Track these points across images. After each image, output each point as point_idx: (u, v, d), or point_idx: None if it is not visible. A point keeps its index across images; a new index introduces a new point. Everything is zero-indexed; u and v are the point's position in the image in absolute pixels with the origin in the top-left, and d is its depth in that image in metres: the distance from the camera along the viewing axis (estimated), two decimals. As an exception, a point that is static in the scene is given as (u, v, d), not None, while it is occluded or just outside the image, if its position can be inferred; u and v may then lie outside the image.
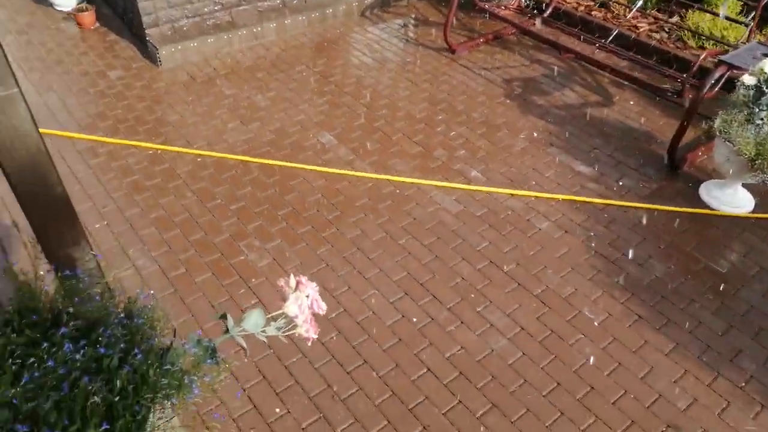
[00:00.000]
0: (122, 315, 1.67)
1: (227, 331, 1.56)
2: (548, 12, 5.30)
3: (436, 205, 3.69)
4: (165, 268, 3.23)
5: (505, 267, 3.30)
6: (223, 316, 1.58)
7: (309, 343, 1.71)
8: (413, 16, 5.80)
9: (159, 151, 4.04)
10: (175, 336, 1.71)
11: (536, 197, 3.76)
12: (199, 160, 3.98)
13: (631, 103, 4.62)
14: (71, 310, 1.62)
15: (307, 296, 1.53)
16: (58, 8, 5.61)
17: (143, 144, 4.09)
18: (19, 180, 1.59)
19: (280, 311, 1.55)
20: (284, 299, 1.54)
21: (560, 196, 3.75)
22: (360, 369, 2.78)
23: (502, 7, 5.07)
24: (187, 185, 3.77)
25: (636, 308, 3.07)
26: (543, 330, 2.98)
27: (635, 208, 3.68)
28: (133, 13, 5.00)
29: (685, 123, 3.74)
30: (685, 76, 4.25)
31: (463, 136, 4.25)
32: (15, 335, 1.55)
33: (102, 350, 1.53)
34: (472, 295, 3.14)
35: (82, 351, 1.52)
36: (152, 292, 3.08)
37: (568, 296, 3.15)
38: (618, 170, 3.97)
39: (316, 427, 2.54)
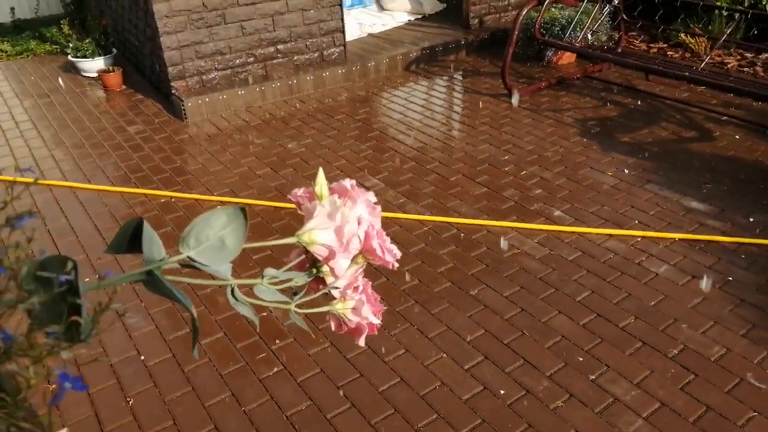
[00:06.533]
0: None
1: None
2: (619, 49, 4.68)
3: (513, 249, 2.87)
4: (163, 329, 2.45)
5: (620, 321, 2.40)
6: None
7: (361, 341, 0.73)
8: (463, 68, 5.25)
9: (173, 199, 3.39)
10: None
11: (644, 237, 2.90)
12: (219, 208, 3.29)
13: (737, 137, 3.82)
14: None
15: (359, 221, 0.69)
16: (85, 74, 5.28)
17: (153, 192, 3.45)
18: None
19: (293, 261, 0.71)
20: (305, 216, 0.72)
21: (676, 236, 2.89)
22: (429, 463, 1.87)
23: (567, 43, 4.48)
24: (201, 234, 3.06)
25: (825, 373, 2.12)
26: (694, 406, 2.03)
27: (781, 246, 2.79)
28: (160, 67, 4.58)
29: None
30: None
31: (536, 175, 3.49)
32: None
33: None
34: (580, 359, 2.24)
35: None
36: (143, 357, 2.30)
37: (720, 359, 2.22)
38: (743, 206, 3.11)
39: None
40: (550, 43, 4.60)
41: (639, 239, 2.89)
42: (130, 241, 0.63)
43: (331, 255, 0.68)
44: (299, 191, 0.75)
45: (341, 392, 2.14)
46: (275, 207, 3.27)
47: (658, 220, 3.04)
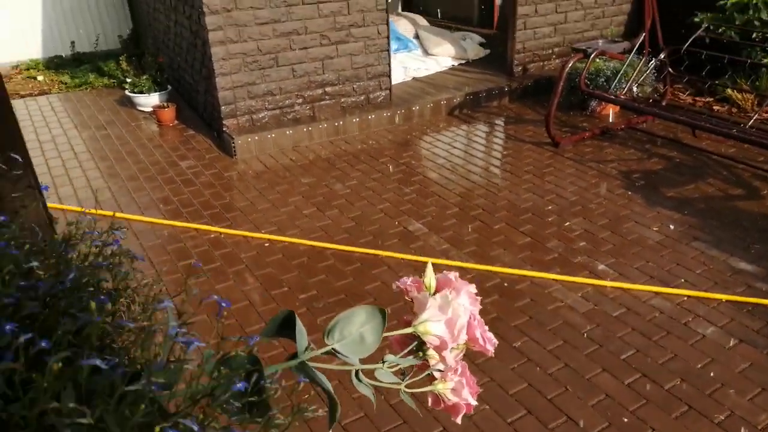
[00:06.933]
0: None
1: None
2: (664, 102, 4.70)
3: (557, 302, 2.87)
4: (211, 365, 2.51)
5: (666, 383, 2.38)
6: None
7: (458, 419, 0.82)
8: (506, 114, 5.33)
9: (222, 235, 3.49)
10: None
11: (690, 296, 2.88)
12: (266, 245, 3.39)
13: (785, 196, 3.79)
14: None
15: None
16: (141, 108, 5.51)
17: (204, 227, 3.56)
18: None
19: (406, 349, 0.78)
20: (415, 304, 0.78)
21: (724, 297, 2.86)
22: None
23: (612, 95, 4.52)
24: (250, 270, 3.15)
25: None
26: (743, 476, 2.00)
27: (833, 313, 2.74)
28: (213, 105, 4.76)
29: None
30: None
31: (580, 227, 3.50)
32: None
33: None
34: (625, 419, 2.22)
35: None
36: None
37: (767, 428, 2.18)
38: (792, 268, 3.07)
39: None
40: (594, 94, 4.64)
41: (685, 298, 2.87)
42: (280, 326, 0.73)
43: (443, 345, 0.74)
44: (408, 280, 0.82)
45: (384, 440, 2.16)
46: (321, 247, 3.34)
47: (704, 279, 3.01)
